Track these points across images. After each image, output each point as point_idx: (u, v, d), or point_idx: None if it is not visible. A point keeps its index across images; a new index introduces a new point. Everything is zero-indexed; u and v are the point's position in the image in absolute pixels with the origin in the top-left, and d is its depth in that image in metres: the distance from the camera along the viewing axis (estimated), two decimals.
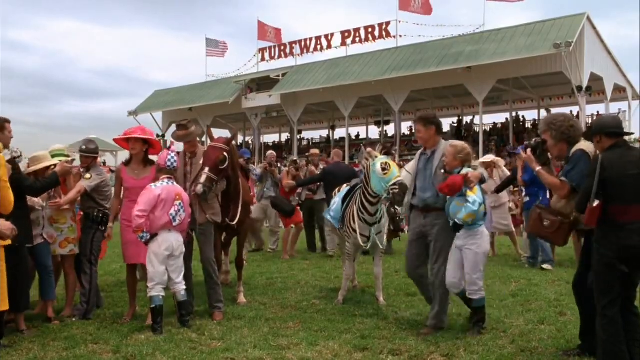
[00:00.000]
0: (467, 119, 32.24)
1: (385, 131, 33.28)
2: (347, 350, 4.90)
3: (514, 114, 29.57)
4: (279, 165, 13.85)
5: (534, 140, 4.95)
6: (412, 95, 27.18)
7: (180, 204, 5.67)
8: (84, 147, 6.48)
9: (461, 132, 30.90)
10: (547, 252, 9.05)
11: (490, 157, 10.47)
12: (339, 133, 35.82)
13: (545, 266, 8.81)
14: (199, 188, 5.77)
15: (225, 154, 6.02)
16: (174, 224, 5.63)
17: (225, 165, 6.02)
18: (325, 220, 8.09)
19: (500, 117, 31.18)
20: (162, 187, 5.63)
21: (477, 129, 28.63)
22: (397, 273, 8.86)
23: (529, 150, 4.83)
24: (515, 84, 26.39)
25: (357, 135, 35.49)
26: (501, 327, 5.51)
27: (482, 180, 5.35)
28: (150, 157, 6.24)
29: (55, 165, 5.80)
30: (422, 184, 5.59)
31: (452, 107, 32.75)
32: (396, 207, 5.92)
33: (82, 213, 6.40)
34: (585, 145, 4.50)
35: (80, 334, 5.41)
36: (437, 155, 5.53)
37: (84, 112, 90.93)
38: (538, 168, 4.71)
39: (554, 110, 25.48)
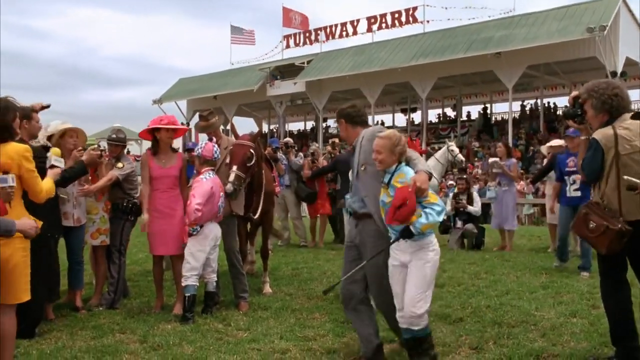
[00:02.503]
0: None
1: (412, 119, 33.06)
2: None
3: (544, 100, 29.11)
4: (300, 153, 13.73)
5: (572, 109, 4.40)
6: (439, 82, 26.92)
7: (223, 195, 5.85)
8: (113, 135, 6.53)
9: (489, 119, 30.56)
10: (589, 258, 7.71)
11: (559, 142, 10.09)
12: None
13: (583, 274, 7.64)
14: (229, 187, 5.85)
15: (251, 150, 6.08)
16: (219, 214, 5.84)
17: (252, 163, 6.08)
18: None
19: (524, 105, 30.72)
20: (211, 179, 5.76)
21: (505, 116, 28.30)
22: None
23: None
24: (546, 70, 25.94)
25: (383, 123, 35.29)
26: (531, 320, 5.45)
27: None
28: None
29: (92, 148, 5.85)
30: (353, 186, 4.50)
31: (480, 94, 32.37)
32: None
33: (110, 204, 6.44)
34: (602, 133, 4.10)
35: (108, 324, 5.50)
36: (356, 149, 4.45)
37: (107, 100, 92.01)
38: (583, 137, 4.26)
39: None
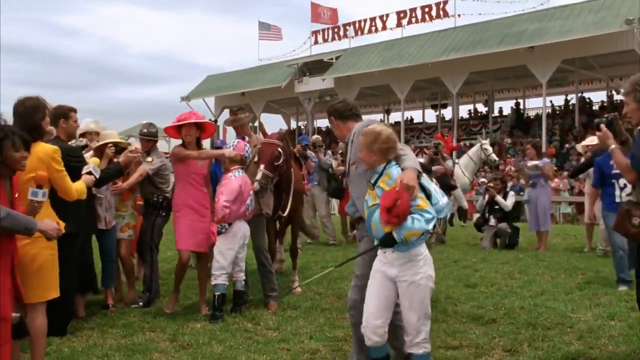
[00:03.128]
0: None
1: (443, 115, 32.79)
2: None
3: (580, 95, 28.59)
4: (328, 151, 13.69)
5: (608, 115, 4.39)
6: (470, 78, 26.62)
7: (252, 194, 5.88)
8: (144, 130, 6.59)
9: (522, 115, 30.15)
10: (627, 272, 6.78)
11: (596, 139, 9.85)
12: (394, 117, 35.52)
13: (620, 288, 6.81)
14: (256, 185, 5.87)
15: (279, 149, 6.08)
16: (247, 213, 5.88)
17: (280, 162, 6.08)
18: None
19: (558, 100, 30.23)
20: (240, 177, 5.80)
21: (539, 111, 27.88)
22: (455, 263, 8.76)
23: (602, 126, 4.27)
24: (581, 64, 25.46)
25: (412, 120, 35.11)
26: (567, 322, 5.36)
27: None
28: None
29: (114, 144, 5.93)
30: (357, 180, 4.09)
31: (513, 90, 31.92)
32: None
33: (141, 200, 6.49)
34: None
35: (138, 322, 5.57)
36: (348, 146, 4.25)
37: (136, 97, 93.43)
38: (613, 146, 4.23)
39: None
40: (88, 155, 5.85)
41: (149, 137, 6.55)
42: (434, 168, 10.64)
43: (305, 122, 36.21)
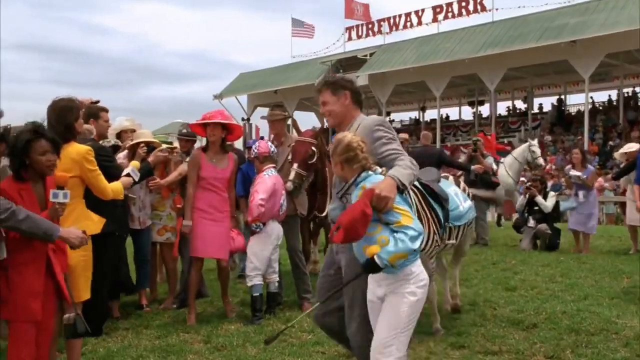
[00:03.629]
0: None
1: (480, 112, 32.43)
2: (442, 347, 4.83)
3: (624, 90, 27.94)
4: None
5: None
6: (509, 73, 26.28)
7: (285, 193, 5.87)
8: (183, 130, 6.65)
9: (563, 112, 29.62)
10: None
11: (634, 146, 9.67)
12: (430, 114, 35.31)
13: None
14: (289, 185, 5.85)
15: (313, 148, 6.06)
16: (281, 213, 5.86)
17: (314, 160, 6.06)
18: None
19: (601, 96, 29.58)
20: (273, 176, 5.77)
21: (581, 108, 27.34)
22: (494, 265, 8.65)
23: None
24: (626, 58, 24.87)
25: (448, 117, 34.81)
26: (612, 328, 5.23)
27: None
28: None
29: (146, 143, 5.98)
30: (335, 198, 3.63)
31: (554, 85, 31.41)
32: None
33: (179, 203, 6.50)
34: None
35: (172, 323, 5.64)
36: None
37: (168, 96, 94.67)
38: None
39: None
40: (122, 155, 5.94)
41: (187, 138, 6.60)
42: (472, 167, 10.54)
43: None
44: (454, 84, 29.32)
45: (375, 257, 3.07)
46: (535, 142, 12.64)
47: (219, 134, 5.69)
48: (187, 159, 6.17)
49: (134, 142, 6.01)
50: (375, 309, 3.33)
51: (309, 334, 5.22)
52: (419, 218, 4.31)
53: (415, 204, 4.31)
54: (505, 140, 23.93)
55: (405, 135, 12.28)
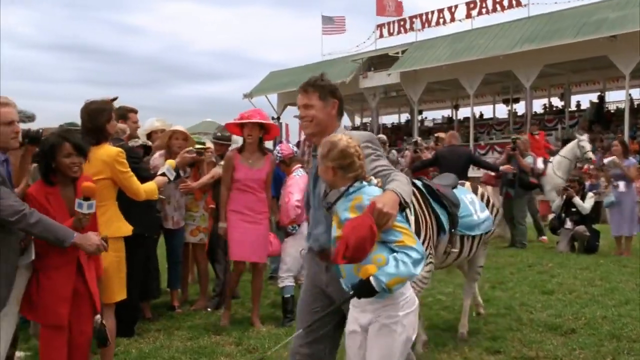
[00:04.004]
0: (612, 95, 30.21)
1: (515, 110, 32.00)
2: (477, 352, 4.80)
3: None
4: (393, 150, 13.54)
5: None
6: (545, 70, 25.83)
7: None
8: (218, 134, 6.69)
9: (602, 109, 29.06)
10: None
11: None
12: (463, 112, 34.93)
13: None
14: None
15: None
16: None
17: None
18: None
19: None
20: (304, 176, 5.71)
21: (621, 105, 26.79)
22: (529, 267, 8.54)
23: None
24: None
25: (482, 115, 34.43)
26: None
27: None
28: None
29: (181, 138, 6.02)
30: (314, 211, 3.33)
31: (592, 82, 30.82)
32: None
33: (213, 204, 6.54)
34: None
35: (203, 324, 5.69)
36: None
37: (198, 95, 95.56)
38: None
39: None
40: (158, 154, 6.01)
41: (222, 141, 6.64)
42: (501, 168, 10.42)
43: (370, 119, 36.12)
44: (488, 81, 28.95)
45: (371, 278, 2.69)
46: (584, 137, 12.37)
47: (257, 134, 5.58)
48: (221, 163, 6.19)
49: (169, 130, 6.05)
50: (357, 341, 2.89)
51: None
52: (416, 219, 4.22)
53: (413, 204, 4.15)
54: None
55: (442, 134, 12.07)
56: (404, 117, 38.46)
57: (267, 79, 38.20)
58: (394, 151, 12.08)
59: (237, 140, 6.71)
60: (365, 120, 38.94)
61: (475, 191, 5.25)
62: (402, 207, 2.84)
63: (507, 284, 7.37)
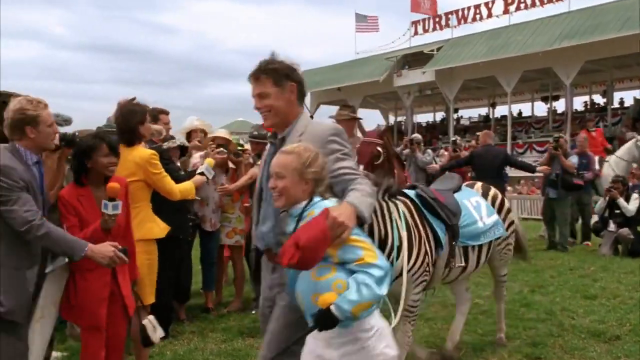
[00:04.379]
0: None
1: (554, 108, 31.50)
2: (517, 358, 4.74)
3: None
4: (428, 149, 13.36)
5: None
6: (586, 66, 25.36)
7: None
8: (255, 132, 6.72)
9: None
10: None
11: None
12: (500, 111, 34.51)
13: None
14: None
15: (379, 148, 6.01)
16: None
17: (380, 161, 6.01)
18: None
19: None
20: None
21: None
22: (571, 271, 8.40)
23: None
24: None
25: (520, 113, 33.96)
26: None
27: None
28: None
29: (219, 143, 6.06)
30: (266, 206, 3.05)
31: (636, 78, 30.15)
32: None
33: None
34: None
35: (237, 326, 5.73)
36: (276, 146, 3.09)
37: (230, 94, 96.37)
38: None
39: None
40: (198, 155, 6.08)
41: (258, 140, 6.67)
42: (539, 168, 10.28)
43: (405, 117, 35.94)
44: (526, 78, 28.55)
45: (332, 307, 2.40)
46: None
47: None
48: (258, 162, 6.24)
49: (210, 136, 6.13)
50: None
51: None
52: (409, 235, 3.84)
53: (405, 216, 3.88)
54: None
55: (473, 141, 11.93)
56: (439, 115, 38.20)
57: None
58: (429, 150, 11.94)
59: None
60: (399, 119, 38.79)
61: (486, 193, 4.85)
62: (360, 222, 2.58)
63: (548, 287, 7.26)
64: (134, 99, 5.83)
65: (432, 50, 30.07)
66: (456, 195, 4.49)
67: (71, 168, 3.79)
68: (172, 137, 6.01)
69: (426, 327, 5.61)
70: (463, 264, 4.34)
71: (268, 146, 3.28)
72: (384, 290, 2.46)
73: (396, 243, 3.73)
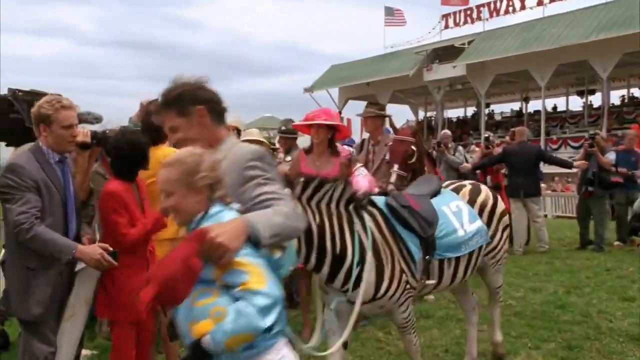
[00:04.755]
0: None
1: (590, 102, 31.03)
2: None
3: None
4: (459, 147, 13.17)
5: None
6: (624, 59, 24.90)
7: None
8: (283, 127, 6.70)
9: None
10: None
11: None
12: (534, 105, 34.11)
13: None
14: (391, 189, 5.76)
15: (412, 147, 5.95)
16: None
17: (413, 160, 5.95)
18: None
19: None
20: (368, 176, 5.53)
21: None
22: (607, 272, 8.26)
23: None
24: None
25: (555, 108, 33.52)
26: None
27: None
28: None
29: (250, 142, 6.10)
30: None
31: None
32: None
33: None
34: None
35: None
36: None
37: (258, 89, 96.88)
38: None
39: None
40: None
41: (287, 135, 6.63)
42: (575, 164, 10.14)
43: (435, 113, 35.72)
44: (561, 72, 28.15)
45: (205, 338, 2.11)
46: None
47: (324, 136, 5.26)
48: (286, 158, 6.22)
49: (241, 139, 6.16)
50: None
51: None
52: (377, 253, 3.55)
53: (371, 232, 3.58)
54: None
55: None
56: (470, 110, 37.90)
57: (328, 72, 38.29)
58: (460, 148, 11.81)
59: None
60: (429, 114, 38.57)
61: (476, 195, 4.38)
62: (252, 242, 2.22)
63: (583, 289, 7.15)
64: (156, 100, 5.88)
65: (463, 44, 29.84)
66: (434, 200, 4.09)
67: (114, 165, 3.83)
68: None
69: (457, 329, 5.57)
70: (434, 280, 3.93)
71: None
72: (266, 321, 2.10)
73: (356, 259, 3.46)
